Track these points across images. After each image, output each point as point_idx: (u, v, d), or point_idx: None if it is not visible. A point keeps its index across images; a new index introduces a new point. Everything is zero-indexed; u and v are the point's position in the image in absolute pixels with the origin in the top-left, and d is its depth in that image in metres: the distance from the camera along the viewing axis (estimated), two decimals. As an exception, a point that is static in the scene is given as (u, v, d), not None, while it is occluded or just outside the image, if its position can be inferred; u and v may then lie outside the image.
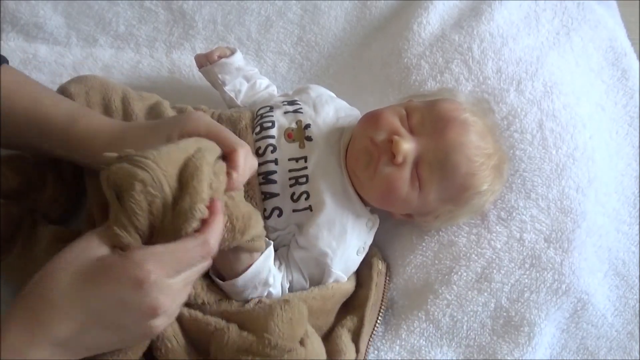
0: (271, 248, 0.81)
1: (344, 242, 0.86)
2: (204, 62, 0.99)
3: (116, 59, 1.09)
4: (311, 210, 0.85)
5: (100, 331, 0.61)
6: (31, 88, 0.82)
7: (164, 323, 0.64)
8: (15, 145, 0.84)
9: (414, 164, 0.83)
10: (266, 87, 1.01)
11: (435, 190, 0.84)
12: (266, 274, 0.81)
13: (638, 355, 0.91)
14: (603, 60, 1.08)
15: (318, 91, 0.96)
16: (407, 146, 0.82)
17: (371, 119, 0.86)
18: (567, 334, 0.91)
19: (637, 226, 0.99)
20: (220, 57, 0.99)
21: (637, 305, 0.94)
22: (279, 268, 0.86)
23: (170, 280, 0.62)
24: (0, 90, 0.77)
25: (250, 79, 1.00)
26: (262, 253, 0.79)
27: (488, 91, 0.98)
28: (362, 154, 0.84)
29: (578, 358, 0.90)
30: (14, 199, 0.86)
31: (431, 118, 0.84)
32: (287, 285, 0.86)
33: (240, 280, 0.79)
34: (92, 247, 0.62)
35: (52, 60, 1.07)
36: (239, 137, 0.83)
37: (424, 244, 0.92)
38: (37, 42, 1.09)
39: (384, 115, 0.85)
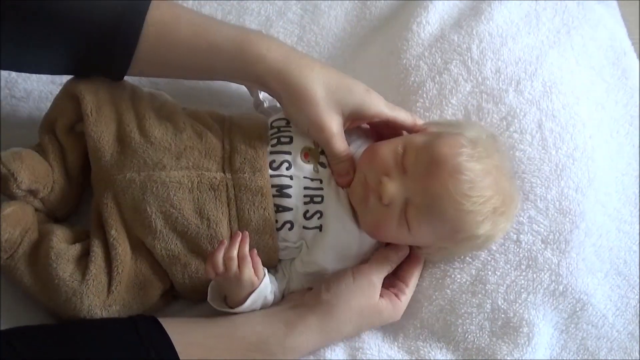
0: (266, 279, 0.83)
1: (350, 264, 0.87)
2: None
3: (117, 60, 1.09)
4: (320, 230, 0.86)
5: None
6: (189, 17, 0.85)
7: None
8: (172, 75, 0.94)
9: (403, 204, 0.82)
10: None
11: (425, 231, 0.83)
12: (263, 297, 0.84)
13: (639, 356, 0.90)
14: (604, 59, 1.07)
15: None
16: (393, 190, 0.81)
17: (369, 155, 0.85)
18: (567, 334, 0.91)
19: (638, 225, 0.99)
20: None
21: (638, 305, 0.93)
22: (282, 281, 0.88)
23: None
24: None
25: None
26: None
27: (487, 92, 0.98)
28: (357, 188, 0.85)
29: (578, 358, 0.90)
30: (22, 198, 0.86)
31: (425, 159, 0.81)
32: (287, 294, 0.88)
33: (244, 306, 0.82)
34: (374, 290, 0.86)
35: (54, 61, 1.07)
36: (253, 147, 0.86)
37: (417, 246, 0.92)
38: (39, 43, 1.09)
39: (380, 152, 0.84)
